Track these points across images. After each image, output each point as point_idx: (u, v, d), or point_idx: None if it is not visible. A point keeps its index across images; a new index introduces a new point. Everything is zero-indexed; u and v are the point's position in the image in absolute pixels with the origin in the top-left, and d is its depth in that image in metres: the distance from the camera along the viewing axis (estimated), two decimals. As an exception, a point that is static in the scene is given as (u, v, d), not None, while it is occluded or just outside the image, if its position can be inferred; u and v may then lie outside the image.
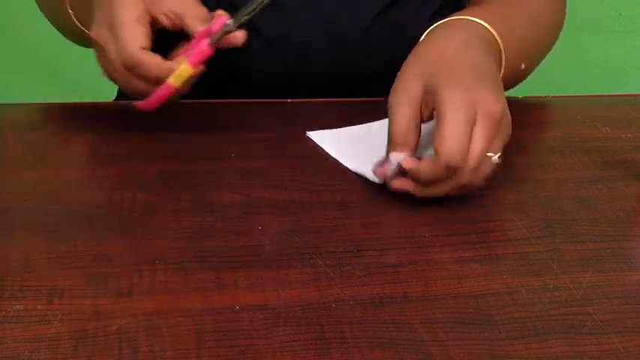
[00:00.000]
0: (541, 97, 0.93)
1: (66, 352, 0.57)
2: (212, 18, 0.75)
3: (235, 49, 0.84)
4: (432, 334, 0.60)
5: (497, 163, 0.72)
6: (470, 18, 0.80)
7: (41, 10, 0.97)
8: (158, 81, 0.75)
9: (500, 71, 0.81)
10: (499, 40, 0.81)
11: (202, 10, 0.77)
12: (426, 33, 0.81)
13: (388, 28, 0.93)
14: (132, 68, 0.75)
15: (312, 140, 0.81)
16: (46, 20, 0.96)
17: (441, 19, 0.82)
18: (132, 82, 0.76)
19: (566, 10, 0.95)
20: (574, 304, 0.64)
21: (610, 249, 0.70)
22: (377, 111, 0.82)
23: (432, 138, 0.72)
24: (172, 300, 0.62)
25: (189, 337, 0.59)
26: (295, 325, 0.60)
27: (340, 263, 0.66)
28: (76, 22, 0.86)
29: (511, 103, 0.85)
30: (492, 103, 0.72)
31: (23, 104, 0.86)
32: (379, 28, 0.93)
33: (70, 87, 1.85)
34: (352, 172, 0.77)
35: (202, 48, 0.73)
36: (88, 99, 0.97)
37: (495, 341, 0.60)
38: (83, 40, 0.90)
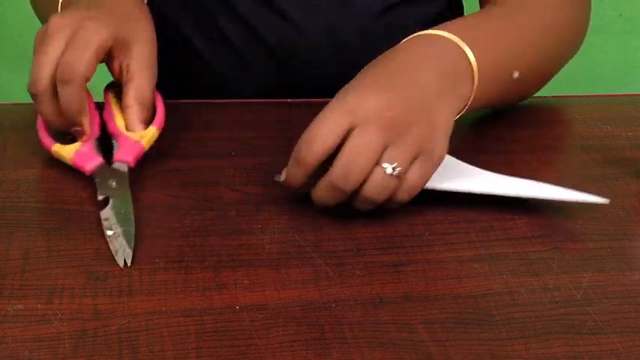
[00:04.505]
0: (541, 97, 0.93)
1: (66, 352, 0.57)
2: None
3: (237, 59, 0.83)
4: (432, 334, 0.60)
5: (395, 175, 0.67)
6: (442, 34, 0.74)
7: (36, 14, 0.97)
8: (71, 119, 0.73)
9: (460, 89, 0.74)
10: (472, 60, 0.74)
11: (148, 84, 0.76)
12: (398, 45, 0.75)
13: (389, 31, 0.92)
14: (64, 83, 0.71)
15: None
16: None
17: (442, 22, 0.79)
18: (45, 102, 0.72)
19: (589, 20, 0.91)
20: (574, 304, 0.64)
21: (610, 248, 0.70)
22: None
23: None
24: (172, 300, 0.62)
25: (189, 337, 0.59)
26: (295, 325, 0.60)
27: (340, 262, 0.66)
28: None
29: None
30: (431, 136, 0.68)
31: (23, 104, 0.86)
32: (379, 31, 0.93)
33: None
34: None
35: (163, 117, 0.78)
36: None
37: (495, 341, 0.60)
38: None
